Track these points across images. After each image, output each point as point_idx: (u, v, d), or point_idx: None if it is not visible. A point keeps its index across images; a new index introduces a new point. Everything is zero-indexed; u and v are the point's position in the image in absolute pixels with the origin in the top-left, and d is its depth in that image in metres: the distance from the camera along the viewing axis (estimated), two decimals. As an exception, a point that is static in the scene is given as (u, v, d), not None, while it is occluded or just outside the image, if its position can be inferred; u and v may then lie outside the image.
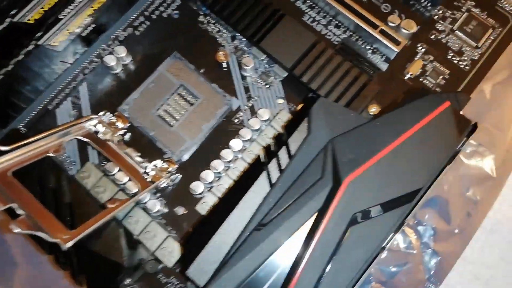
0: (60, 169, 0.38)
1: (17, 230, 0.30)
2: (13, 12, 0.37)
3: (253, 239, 0.30)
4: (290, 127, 0.36)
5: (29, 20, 0.37)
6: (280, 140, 0.35)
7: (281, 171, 0.34)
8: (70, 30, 0.38)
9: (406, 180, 0.32)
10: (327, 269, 0.30)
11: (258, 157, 0.38)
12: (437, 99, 0.34)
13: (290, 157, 0.34)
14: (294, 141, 0.34)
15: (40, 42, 0.37)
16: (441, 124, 0.33)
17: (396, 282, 0.41)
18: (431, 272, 0.41)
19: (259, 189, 0.33)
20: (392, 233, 0.30)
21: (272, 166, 0.34)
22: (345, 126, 0.33)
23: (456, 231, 0.42)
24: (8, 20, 0.37)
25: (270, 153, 0.35)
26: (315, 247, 0.30)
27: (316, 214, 0.30)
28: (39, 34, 0.37)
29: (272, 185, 0.33)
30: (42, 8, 0.38)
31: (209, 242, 0.32)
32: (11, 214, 0.32)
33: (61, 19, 0.37)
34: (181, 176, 0.40)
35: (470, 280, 0.42)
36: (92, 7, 0.38)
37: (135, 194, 0.37)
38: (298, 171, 0.33)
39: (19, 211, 0.31)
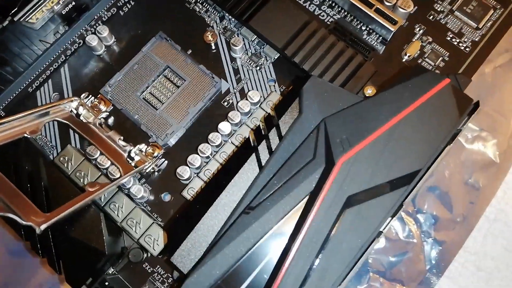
0: (38, 153, 0.36)
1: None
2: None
3: (241, 223, 0.28)
4: (281, 108, 0.34)
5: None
6: (271, 122, 0.33)
7: (270, 153, 0.32)
8: (48, 7, 0.36)
9: (404, 161, 0.30)
10: (320, 255, 0.28)
11: (248, 140, 0.36)
12: (437, 76, 0.32)
13: (281, 138, 0.32)
14: (285, 123, 0.32)
15: (16, 18, 0.35)
16: (440, 102, 0.31)
17: (395, 273, 0.38)
18: (433, 263, 0.39)
19: (248, 172, 0.31)
20: (390, 217, 0.28)
21: (262, 148, 0.32)
22: (338, 105, 0.31)
23: (458, 219, 0.40)
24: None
25: (260, 136, 0.33)
26: (307, 231, 0.27)
27: (307, 197, 0.28)
28: (14, 10, 0.35)
29: (261, 168, 0.31)
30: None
31: (194, 228, 0.30)
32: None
33: (39, -6, 0.35)
34: (166, 161, 0.38)
35: (473, 272, 0.40)
36: (72, -18, 0.36)
37: (117, 179, 0.35)
38: (289, 153, 0.31)
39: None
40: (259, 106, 0.37)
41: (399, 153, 0.29)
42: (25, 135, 0.33)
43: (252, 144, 0.33)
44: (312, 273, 0.28)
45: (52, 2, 0.36)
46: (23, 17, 0.35)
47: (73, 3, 0.38)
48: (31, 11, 0.35)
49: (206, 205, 0.32)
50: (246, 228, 0.28)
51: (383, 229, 0.28)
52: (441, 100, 0.31)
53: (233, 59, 0.40)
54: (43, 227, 0.27)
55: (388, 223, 0.28)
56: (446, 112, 0.31)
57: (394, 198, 0.28)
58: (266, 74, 0.40)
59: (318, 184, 0.29)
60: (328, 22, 0.41)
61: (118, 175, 0.36)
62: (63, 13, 0.38)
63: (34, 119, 0.34)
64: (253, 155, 0.32)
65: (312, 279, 0.27)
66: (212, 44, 0.41)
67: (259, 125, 0.34)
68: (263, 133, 0.34)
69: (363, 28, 0.41)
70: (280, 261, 0.28)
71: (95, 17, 0.41)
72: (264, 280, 0.28)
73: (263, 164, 0.31)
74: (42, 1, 0.35)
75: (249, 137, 0.34)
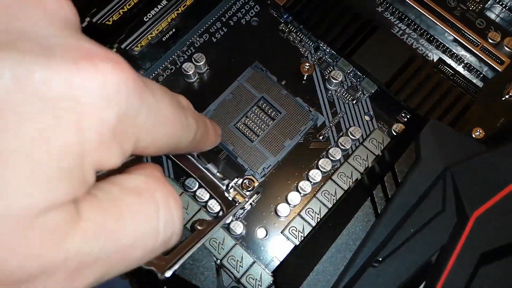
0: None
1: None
2: (93, 11, 0.34)
3: (368, 277, 0.27)
4: (392, 150, 0.33)
5: (107, 21, 0.34)
6: (382, 164, 0.32)
7: (387, 199, 0.30)
8: (153, 34, 0.35)
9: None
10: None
11: (351, 181, 0.35)
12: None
13: (397, 184, 0.31)
14: (401, 167, 0.31)
15: (123, 46, 0.34)
16: None
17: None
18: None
19: (363, 217, 0.30)
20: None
21: (377, 192, 0.31)
22: (461, 153, 0.30)
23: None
24: (87, 19, 0.34)
25: (372, 177, 0.32)
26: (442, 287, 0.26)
27: (439, 252, 0.27)
28: (122, 36, 0.34)
29: (379, 215, 0.30)
30: (122, 9, 0.35)
31: (310, 274, 0.29)
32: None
33: (146, 21, 0.34)
34: (261, 195, 0.37)
35: None
36: (178, 11, 0.35)
37: (217, 214, 0.34)
38: (410, 202, 0.29)
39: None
40: (361, 144, 0.36)
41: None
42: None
43: (367, 188, 0.32)
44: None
45: (157, 30, 0.35)
46: (130, 45, 0.34)
47: (174, 29, 0.37)
48: (138, 38, 0.34)
49: (315, 248, 0.31)
50: (375, 283, 0.27)
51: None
52: None
53: (327, 91, 0.39)
54: (168, 273, 0.26)
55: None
56: None
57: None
58: (363, 108, 0.39)
59: (450, 238, 0.27)
60: (427, 57, 0.40)
61: (218, 210, 0.35)
62: (163, 39, 0.37)
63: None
64: (368, 200, 0.31)
65: None
66: (305, 75, 0.40)
67: (371, 166, 0.33)
68: (374, 172, 0.33)
69: (462, 64, 0.40)
70: (409, 318, 0.27)
71: (187, 42, 0.40)
72: None
73: (379, 209, 0.30)
74: (148, 29, 0.34)
75: (357, 178, 0.33)
